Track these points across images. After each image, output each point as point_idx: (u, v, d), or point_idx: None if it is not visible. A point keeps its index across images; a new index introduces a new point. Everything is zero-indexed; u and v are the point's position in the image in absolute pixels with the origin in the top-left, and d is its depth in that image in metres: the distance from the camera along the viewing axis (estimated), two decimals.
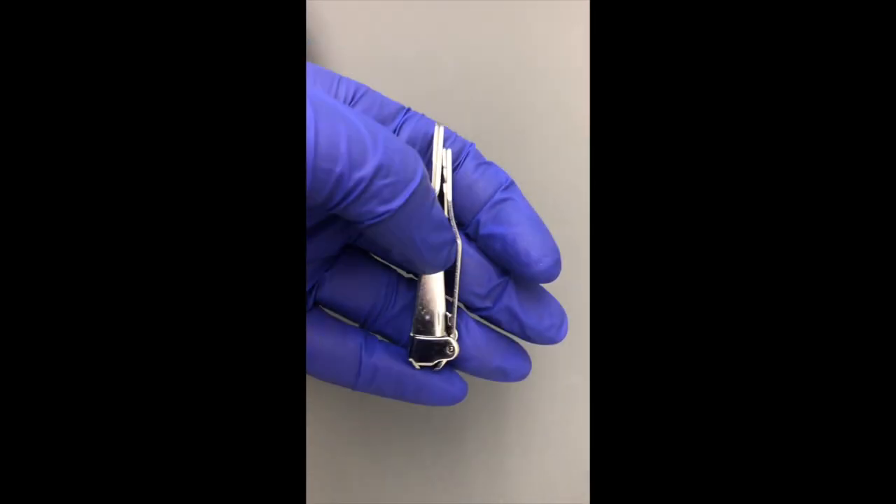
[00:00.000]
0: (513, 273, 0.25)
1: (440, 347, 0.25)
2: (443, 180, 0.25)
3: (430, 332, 0.25)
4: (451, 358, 0.25)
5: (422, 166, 0.21)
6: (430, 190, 0.22)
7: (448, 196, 0.25)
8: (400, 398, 0.26)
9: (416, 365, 0.25)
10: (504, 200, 0.24)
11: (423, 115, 0.25)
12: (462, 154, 0.25)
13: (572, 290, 0.33)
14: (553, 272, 0.24)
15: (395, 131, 0.24)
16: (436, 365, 0.25)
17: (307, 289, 0.25)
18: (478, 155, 0.25)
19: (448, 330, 0.25)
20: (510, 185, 0.25)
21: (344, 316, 0.26)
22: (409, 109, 0.25)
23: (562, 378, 0.33)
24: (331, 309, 0.26)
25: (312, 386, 0.29)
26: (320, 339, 0.25)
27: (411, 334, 0.25)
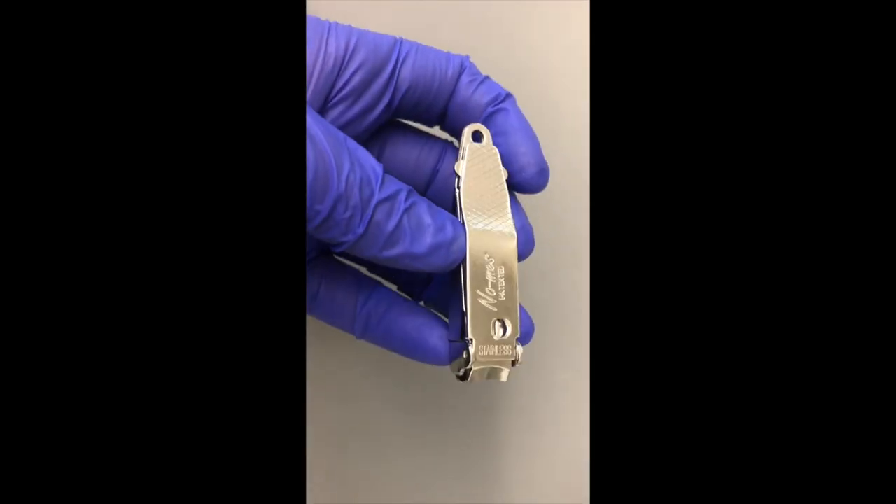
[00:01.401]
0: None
1: (459, 353, 0.22)
2: (458, 178, 0.23)
3: (457, 333, 0.23)
4: (470, 370, 0.22)
5: (388, 185, 0.21)
6: (397, 208, 0.21)
7: (461, 196, 0.23)
8: (392, 350, 0.25)
9: (453, 373, 0.23)
10: (496, 112, 0.24)
11: (415, 44, 0.24)
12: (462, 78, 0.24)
13: (572, 289, 0.33)
14: (537, 181, 0.24)
15: (394, 71, 0.23)
16: (464, 376, 0.22)
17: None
18: (472, 72, 0.24)
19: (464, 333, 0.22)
20: (505, 97, 0.24)
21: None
22: (401, 41, 0.23)
23: (559, 373, 0.34)
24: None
25: (312, 385, 0.29)
26: (325, 286, 0.25)
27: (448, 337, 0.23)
